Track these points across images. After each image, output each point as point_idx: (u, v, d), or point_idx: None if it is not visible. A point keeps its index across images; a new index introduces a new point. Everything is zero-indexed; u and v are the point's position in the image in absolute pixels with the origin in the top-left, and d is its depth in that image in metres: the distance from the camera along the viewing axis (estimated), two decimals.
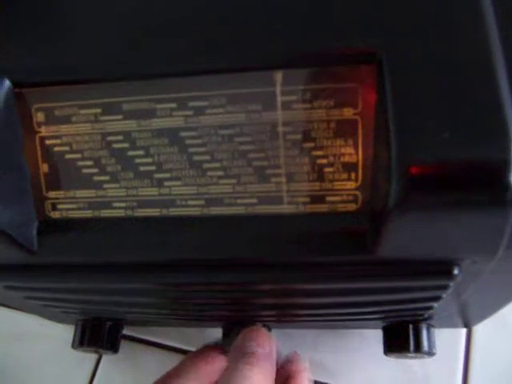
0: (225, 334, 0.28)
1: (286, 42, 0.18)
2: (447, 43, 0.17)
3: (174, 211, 0.20)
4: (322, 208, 0.19)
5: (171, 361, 0.34)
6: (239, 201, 0.20)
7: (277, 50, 0.18)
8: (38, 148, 0.21)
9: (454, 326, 0.30)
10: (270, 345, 0.24)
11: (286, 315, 0.26)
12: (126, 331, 0.33)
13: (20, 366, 0.35)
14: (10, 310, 0.37)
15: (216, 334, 0.33)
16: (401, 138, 0.16)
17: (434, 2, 0.18)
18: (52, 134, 0.21)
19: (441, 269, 0.19)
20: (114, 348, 0.31)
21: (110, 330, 0.30)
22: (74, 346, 0.30)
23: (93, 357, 0.35)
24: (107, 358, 0.35)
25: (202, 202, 0.20)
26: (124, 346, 0.33)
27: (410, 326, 0.27)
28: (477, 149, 0.16)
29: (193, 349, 0.34)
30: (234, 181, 0.19)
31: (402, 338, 0.27)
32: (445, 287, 0.20)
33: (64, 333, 0.35)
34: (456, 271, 0.19)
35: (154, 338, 0.35)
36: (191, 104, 0.19)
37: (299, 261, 0.20)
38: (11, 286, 0.23)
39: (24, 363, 0.35)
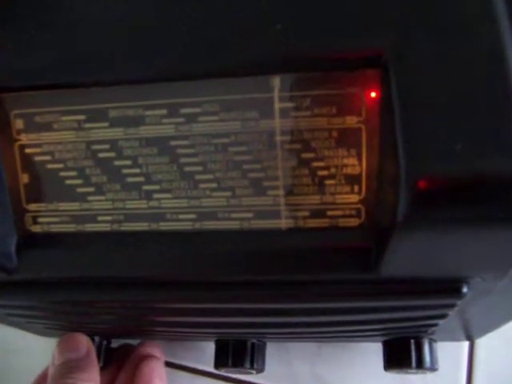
0: (218, 350, 0.27)
1: (284, 44, 0.17)
2: (458, 47, 0.16)
3: (163, 225, 0.19)
4: (323, 223, 0.18)
5: None
6: (234, 215, 0.18)
7: (274, 54, 0.17)
8: (18, 157, 0.19)
9: (456, 339, 0.29)
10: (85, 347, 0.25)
11: (282, 333, 0.25)
12: (114, 345, 0.32)
13: (4, 381, 0.34)
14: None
15: (209, 348, 0.32)
16: (409, 150, 0.15)
17: (444, 5, 0.17)
18: (32, 142, 0.19)
19: (449, 287, 0.18)
20: (102, 362, 0.29)
21: (97, 345, 0.29)
22: None
23: None
24: None
25: (193, 216, 0.19)
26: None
27: (412, 341, 0.26)
28: (489, 162, 0.14)
29: (182, 362, 0.33)
30: (228, 193, 0.18)
31: (403, 354, 0.26)
32: (452, 306, 0.19)
33: (48, 347, 0.33)
34: (465, 289, 0.18)
35: None
36: (183, 111, 0.18)
37: (298, 279, 0.18)
38: None
39: (8, 378, 0.34)
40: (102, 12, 0.19)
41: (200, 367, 0.33)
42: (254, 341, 0.27)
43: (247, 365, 0.27)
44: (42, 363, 0.30)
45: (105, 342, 0.30)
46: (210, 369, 0.32)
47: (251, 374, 0.28)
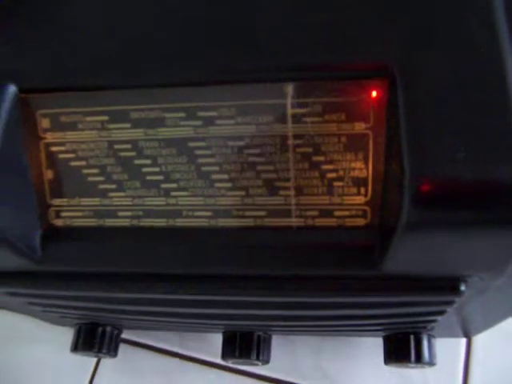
0: (226, 342, 0.28)
1: (298, 54, 0.18)
2: (461, 60, 0.17)
3: (180, 222, 0.20)
4: (331, 222, 0.19)
5: (169, 365, 0.34)
6: (247, 213, 0.19)
7: (288, 62, 0.18)
8: (43, 154, 0.21)
9: (454, 335, 0.31)
10: None
11: (289, 326, 0.26)
12: (124, 335, 0.33)
13: (17, 370, 0.35)
14: (7, 313, 0.36)
15: (216, 339, 0.33)
16: (414, 155, 0.16)
17: (448, 16, 0.18)
18: (57, 140, 0.20)
19: (448, 285, 0.19)
20: (112, 352, 0.30)
21: (109, 334, 0.30)
22: (72, 350, 0.30)
23: (91, 360, 0.35)
24: (106, 362, 0.34)
25: (209, 214, 0.20)
26: (123, 349, 0.33)
27: (411, 337, 0.27)
28: (490, 169, 0.16)
29: (191, 353, 0.35)
30: (242, 193, 0.19)
31: (402, 348, 0.27)
32: (451, 303, 0.20)
33: (61, 336, 0.34)
34: (463, 287, 0.19)
35: (153, 342, 0.35)
36: (200, 114, 0.19)
37: (305, 274, 0.20)
38: (14, 292, 0.23)
39: (21, 366, 0.35)
40: (125, 18, 0.20)
41: (207, 358, 0.34)
42: (261, 333, 0.28)
43: (253, 356, 0.28)
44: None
45: (116, 332, 0.31)
46: (217, 360, 0.33)
47: (257, 365, 0.29)
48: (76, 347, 0.30)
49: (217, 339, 0.33)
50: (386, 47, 0.18)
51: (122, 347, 0.33)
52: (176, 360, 0.34)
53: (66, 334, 0.33)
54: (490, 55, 0.17)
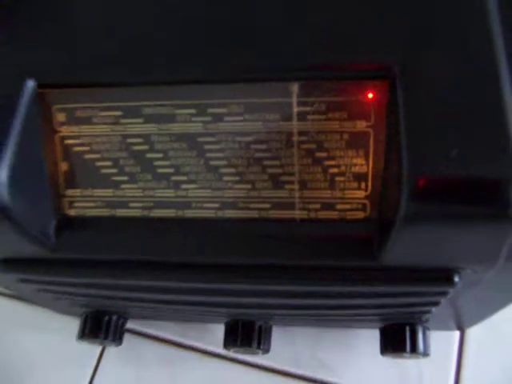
0: (228, 331, 0.29)
1: (303, 54, 0.19)
2: (458, 64, 0.18)
3: (189, 213, 0.21)
4: (332, 215, 0.20)
5: (171, 353, 0.35)
6: (253, 205, 0.20)
7: (294, 63, 0.19)
8: (58, 147, 0.22)
9: (448, 328, 0.32)
10: None
11: (291, 314, 0.27)
12: (128, 324, 0.34)
13: (24, 357, 0.36)
14: (17, 303, 0.37)
15: (217, 330, 0.34)
16: (412, 153, 0.17)
17: (446, 20, 0.19)
18: (72, 134, 0.21)
19: (442, 276, 0.20)
20: (118, 340, 0.31)
21: (114, 323, 0.31)
22: (79, 338, 0.31)
23: (96, 348, 0.36)
24: (110, 350, 0.36)
25: (216, 205, 0.21)
26: (126, 338, 0.34)
27: (407, 328, 0.28)
28: (482, 167, 0.17)
29: (192, 343, 0.36)
30: (248, 186, 0.20)
31: (398, 339, 0.28)
32: (445, 293, 0.21)
33: (68, 325, 0.35)
34: (456, 279, 0.20)
35: (156, 331, 0.36)
36: (210, 111, 0.20)
37: (308, 264, 0.21)
38: (26, 279, 0.24)
39: (28, 354, 0.36)
40: (138, 17, 0.21)
41: (208, 348, 0.35)
42: (262, 323, 0.29)
43: (254, 345, 0.29)
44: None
45: (121, 321, 0.32)
46: (218, 350, 0.35)
47: (257, 354, 0.30)
48: (83, 335, 0.31)
49: (217, 330, 0.34)
50: (387, 49, 0.19)
51: (126, 336, 0.34)
52: (178, 349, 0.35)
53: (73, 324, 0.34)
54: (485, 59, 0.18)
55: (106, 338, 0.31)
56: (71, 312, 0.34)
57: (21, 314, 0.37)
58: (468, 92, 0.17)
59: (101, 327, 0.31)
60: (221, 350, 0.34)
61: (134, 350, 0.35)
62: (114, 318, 0.31)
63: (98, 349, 0.36)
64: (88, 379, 0.35)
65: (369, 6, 0.20)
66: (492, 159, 0.16)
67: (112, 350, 0.36)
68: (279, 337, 0.31)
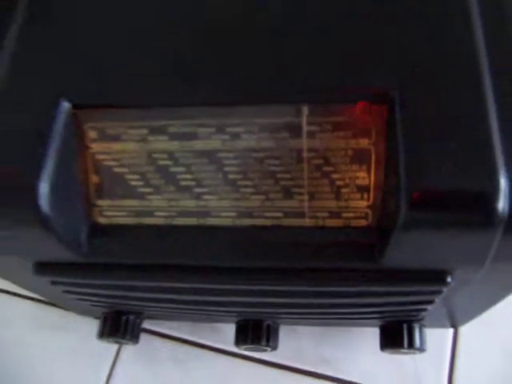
0: (239, 330, 0.32)
1: (313, 80, 0.22)
2: (447, 91, 0.20)
3: (209, 221, 0.23)
4: (338, 223, 0.22)
5: (184, 351, 0.38)
6: (267, 214, 0.23)
7: (304, 87, 0.22)
8: (89, 161, 0.24)
9: (442, 326, 0.34)
10: None
11: (299, 313, 0.29)
12: (144, 325, 0.36)
13: (43, 356, 0.38)
14: (35, 304, 0.39)
15: (226, 329, 0.36)
16: (409, 168, 0.19)
17: (439, 52, 0.21)
18: (103, 150, 0.24)
19: (436, 277, 0.23)
20: (135, 338, 0.34)
21: (132, 323, 0.33)
22: (99, 336, 0.33)
23: (112, 347, 0.38)
24: (126, 348, 0.38)
25: (234, 214, 0.23)
26: (142, 337, 0.36)
27: (404, 326, 0.30)
28: (470, 181, 0.19)
29: (203, 341, 0.38)
30: (263, 197, 0.23)
31: (397, 336, 0.30)
32: (438, 292, 0.23)
33: (85, 325, 0.37)
34: (449, 279, 0.22)
35: (169, 331, 0.38)
36: (229, 130, 0.22)
37: (316, 267, 0.23)
38: (58, 281, 0.26)
39: (46, 353, 0.38)
40: (163, 43, 0.23)
41: (218, 346, 0.37)
42: (270, 322, 0.31)
43: (264, 343, 0.31)
44: None
45: (138, 320, 0.34)
46: (227, 347, 0.37)
47: (266, 351, 0.32)
48: (102, 334, 0.33)
49: (226, 329, 0.37)
50: (386, 75, 0.21)
51: (142, 335, 0.36)
52: (190, 347, 0.37)
53: (90, 324, 0.36)
54: (471, 87, 0.20)
55: (124, 336, 0.33)
56: (89, 313, 0.36)
57: (40, 316, 0.40)
58: (456, 116, 0.20)
59: (119, 327, 0.33)
60: (231, 348, 0.36)
61: (149, 349, 0.37)
62: (132, 318, 0.33)
63: (115, 347, 0.38)
64: (106, 376, 0.37)
65: (370, 35, 0.22)
66: (478, 175, 0.19)
67: (128, 349, 0.38)
68: (286, 335, 0.34)
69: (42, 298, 0.38)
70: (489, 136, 0.19)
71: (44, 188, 0.21)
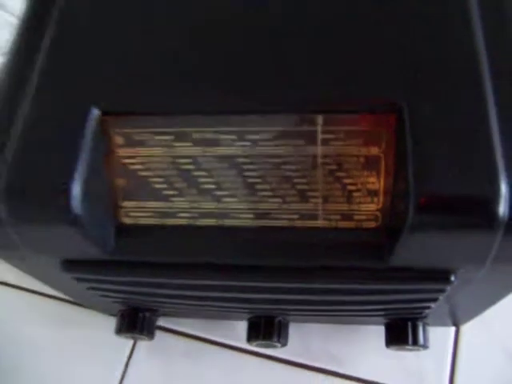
0: (251, 327, 0.33)
1: (327, 91, 0.23)
2: (453, 101, 0.22)
3: (228, 222, 0.25)
4: (350, 224, 0.24)
5: (196, 347, 0.39)
6: (283, 216, 0.24)
7: (319, 98, 0.23)
8: (116, 165, 0.25)
9: (445, 324, 0.36)
10: None
11: (310, 310, 0.31)
12: (158, 322, 0.38)
13: (60, 351, 0.40)
14: (56, 302, 0.41)
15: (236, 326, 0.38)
16: (416, 175, 0.21)
17: (444, 65, 0.23)
18: (129, 154, 0.25)
19: (440, 275, 0.24)
20: (151, 334, 0.35)
21: (148, 319, 0.35)
22: (117, 332, 0.35)
23: (128, 343, 0.39)
24: (141, 344, 0.39)
25: (252, 216, 0.25)
26: (156, 334, 0.37)
27: (409, 323, 0.32)
28: (473, 187, 0.21)
29: (215, 337, 0.39)
30: (279, 200, 0.24)
31: (401, 333, 0.32)
32: (442, 290, 0.25)
33: (103, 321, 0.39)
34: (452, 278, 0.24)
35: (181, 328, 0.39)
36: (248, 137, 0.24)
37: (329, 265, 0.25)
38: (84, 278, 0.28)
39: (68, 346, 0.40)
40: (187, 53, 0.25)
41: (229, 342, 0.39)
42: (281, 319, 0.33)
43: (275, 339, 0.33)
44: None
45: (154, 317, 0.36)
46: (237, 343, 0.38)
47: (276, 347, 0.34)
48: (120, 330, 0.34)
49: (238, 326, 0.38)
50: (396, 88, 0.23)
51: (156, 332, 0.37)
52: (202, 343, 0.39)
53: (107, 320, 0.38)
54: (475, 98, 0.22)
55: (141, 332, 0.34)
56: (107, 310, 0.38)
57: (60, 313, 0.41)
58: (460, 126, 0.22)
59: (136, 323, 0.35)
60: (241, 344, 0.38)
61: (163, 345, 0.39)
62: (148, 315, 0.35)
63: (130, 343, 0.39)
64: (121, 370, 0.39)
65: (378, 48, 0.24)
66: (480, 181, 0.20)
67: (143, 344, 0.39)
68: (294, 333, 0.35)
69: (62, 296, 0.40)
70: (490, 145, 0.21)
71: (76, 190, 0.23)
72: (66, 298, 0.39)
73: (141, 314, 0.35)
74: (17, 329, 0.42)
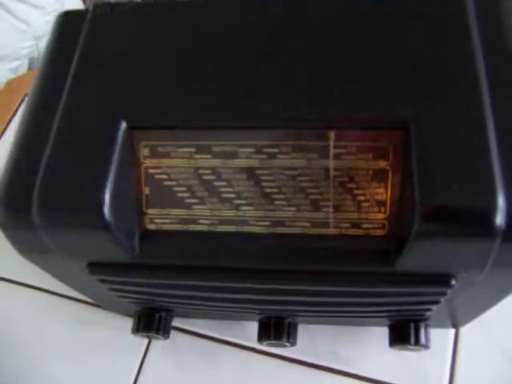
0: (261, 327, 0.35)
1: (340, 109, 0.25)
2: (456, 119, 0.24)
3: (246, 229, 0.27)
4: (359, 232, 0.26)
5: (208, 347, 0.41)
6: (297, 224, 0.26)
7: (332, 116, 0.25)
8: (142, 175, 0.27)
9: (445, 326, 0.38)
10: None
11: (320, 311, 0.33)
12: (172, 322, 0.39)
13: (78, 348, 0.42)
14: (70, 303, 0.43)
15: (248, 326, 0.40)
16: (422, 187, 0.23)
17: (447, 86, 0.25)
18: (154, 165, 0.27)
19: (442, 279, 0.26)
20: (166, 334, 0.37)
21: (164, 319, 0.37)
22: (134, 332, 0.36)
23: (143, 342, 0.41)
24: (155, 344, 0.41)
25: (268, 223, 0.27)
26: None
27: (411, 325, 0.34)
28: (473, 199, 0.23)
29: (226, 338, 0.41)
30: (294, 208, 0.26)
31: (404, 334, 0.34)
32: (444, 293, 0.27)
33: (118, 322, 0.41)
34: (453, 282, 0.26)
35: (195, 328, 0.41)
36: (265, 150, 0.26)
37: (340, 270, 0.26)
38: (107, 279, 0.29)
39: (82, 346, 0.42)
40: (206, 74, 0.27)
41: (241, 342, 0.40)
42: (290, 320, 0.35)
43: (285, 338, 0.34)
44: None
45: (169, 317, 0.37)
46: (249, 343, 0.40)
47: (286, 346, 0.36)
48: (137, 329, 0.36)
49: (248, 326, 0.40)
50: (403, 106, 0.25)
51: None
52: (214, 343, 0.41)
53: (121, 320, 0.40)
54: (476, 116, 0.24)
55: (157, 332, 0.36)
56: (124, 310, 0.39)
57: (74, 312, 0.43)
58: (462, 141, 0.24)
59: (153, 323, 0.36)
60: (252, 344, 0.40)
61: (177, 344, 0.41)
62: (164, 315, 0.37)
63: (145, 342, 0.41)
64: (137, 368, 0.40)
65: (388, 68, 0.26)
66: (479, 194, 0.22)
67: (157, 344, 0.41)
68: (303, 333, 0.37)
69: (78, 297, 0.42)
70: (488, 159, 0.23)
71: (107, 198, 0.25)
72: (82, 298, 0.41)
73: (157, 315, 0.37)
74: (33, 329, 0.44)
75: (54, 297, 0.44)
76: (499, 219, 0.22)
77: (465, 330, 0.38)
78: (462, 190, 0.23)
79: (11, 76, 0.86)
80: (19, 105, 0.58)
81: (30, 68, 0.95)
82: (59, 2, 0.92)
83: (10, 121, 0.57)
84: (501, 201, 0.22)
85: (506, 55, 0.26)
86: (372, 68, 0.26)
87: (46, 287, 0.44)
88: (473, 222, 0.23)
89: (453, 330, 0.39)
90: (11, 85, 0.61)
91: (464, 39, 0.26)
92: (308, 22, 0.28)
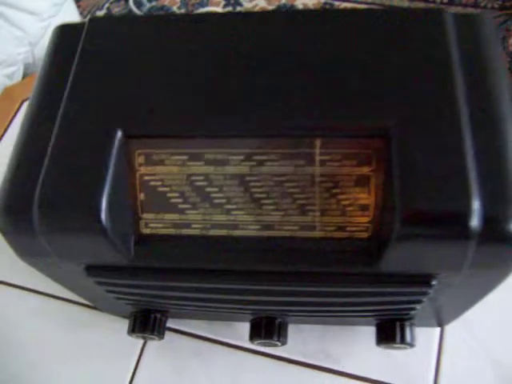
0: (253, 327, 0.36)
1: (325, 118, 0.27)
2: (435, 128, 0.25)
3: (237, 233, 0.28)
4: (344, 235, 0.27)
5: (202, 347, 0.42)
6: (285, 227, 0.28)
7: (318, 124, 0.27)
8: (137, 182, 0.29)
9: (430, 325, 0.39)
10: None
11: (307, 311, 0.34)
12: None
13: (75, 349, 0.43)
14: (66, 304, 0.44)
15: (240, 327, 0.41)
16: (402, 192, 0.24)
17: (427, 97, 0.26)
18: (148, 172, 0.28)
19: (423, 279, 0.27)
20: (161, 335, 0.38)
21: (159, 320, 0.38)
22: (129, 332, 0.37)
23: (138, 343, 0.42)
24: (150, 345, 0.42)
25: (258, 227, 0.28)
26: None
27: (397, 324, 0.35)
28: (450, 204, 0.24)
29: (219, 338, 0.42)
30: (282, 213, 0.28)
31: (390, 333, 0.35)
32: (425, 293, 0.28)
33: (113, 323, 0.42)
34: (434, 282, 0.27)
35: (189, 329, 0.43)
36: (255, 157, 0.27)
37: (325, 271, 0.28)
38: (104, 282, 0.31)
39: (78, 347, 0.43)
40: (199, 85, 0.28)
41: (233, 342, 0.42)
42: (281, 320, 0.36)
43: (275, 338, 0.36)
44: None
45: (164, 318, 0.39)
46: (241, 343, 0.41)
47: (277, 346, 0.37)
48: (133, 330, 0.37)
49: (240, 327, 0.41)
50: (385, 115, 0.26)
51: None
52: (207, 343, 0.42)
53: (116, 322, 0.41)
54: (453, 126, 0.26)
55: (152, 332, 0.37)
56: (120, 312, 0.40)
57: (69, 313, 0.44)
58: (439, 150, 0.25)
59: (148, 324, 0.38)
60: (244, 344, 0.41)
61: (171, 345, 0.42)
62: (159, 316, 0.38)
63: (140, 343, 0.42)
64: (132, 368, 0.42)
65: (373, 81, 0.27)
66: (455, 199, 0.24)
67: (152, 345, 0.42)
68: (292, 333, 0.38)
69: (74, 299, 0.43)
70: (464, 166, 0.25)
71: (103, 203, 0.26)
72: (80, 301, 0.42)
73: (152, 316, 0.38)
74: (31, 331, 0.45)
75: (52, 299, 0.45)
76: (474, 222, 0.24)
77: (449, 328, 0.40)
78: (439, 194, 0.24)
79: (6, 82, 0.87)
80: (16, 111, 0.59)
81: (25, 74, 0.96)
82: (55, 8, 0.94)
83: (7, 127, 0.58)
84: (476, 204, 0.24)
85: (481, 66, 0.28)
86: (356, 79, 0.28)
87: (43, 290, 0.45)
88: (449, 225, 0.24)
89: (438, 329, 0.40)
90: (8, 91, 0.63)
91: (443, 54, 0.27)
92: (297, 37, 0.29)
